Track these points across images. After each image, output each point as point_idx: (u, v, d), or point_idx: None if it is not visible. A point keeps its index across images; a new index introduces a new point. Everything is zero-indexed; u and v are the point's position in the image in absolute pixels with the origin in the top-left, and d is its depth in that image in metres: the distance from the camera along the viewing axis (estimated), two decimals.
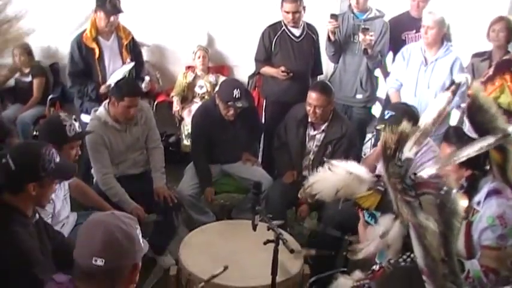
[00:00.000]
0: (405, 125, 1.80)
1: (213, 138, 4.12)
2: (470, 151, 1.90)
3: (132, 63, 4.33)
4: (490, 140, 1.97)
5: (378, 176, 1.83)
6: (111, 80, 4.18)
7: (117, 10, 4.20)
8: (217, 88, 5.32)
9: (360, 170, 1.85)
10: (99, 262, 1.71)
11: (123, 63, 4.33)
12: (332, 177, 1.82)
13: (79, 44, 4.22)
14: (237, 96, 3.88)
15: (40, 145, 2.35)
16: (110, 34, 4.32)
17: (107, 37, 4.31)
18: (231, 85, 4.02)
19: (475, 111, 2.19)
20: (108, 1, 4.10)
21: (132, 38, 4.43)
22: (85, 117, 4.14)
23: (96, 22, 4.22)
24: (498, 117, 2.12)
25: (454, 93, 2.01)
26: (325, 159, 3.85)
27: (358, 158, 4.24)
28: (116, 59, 4.34)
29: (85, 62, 4.25)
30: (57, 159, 2.35)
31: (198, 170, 4.13)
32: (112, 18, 4.19)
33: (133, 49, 4.44)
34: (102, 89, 4.22)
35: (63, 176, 2.55)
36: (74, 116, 3.17)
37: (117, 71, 4.26)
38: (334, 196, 1.82)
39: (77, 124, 3.07)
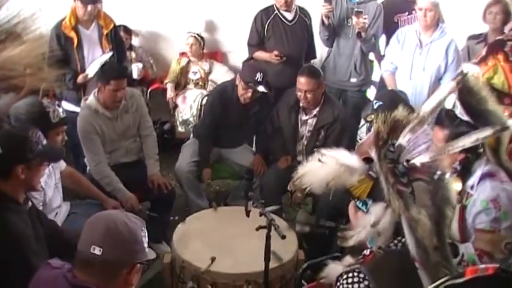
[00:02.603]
0: (400, 112, 1.77)
1: (221, 120, 4.08)
2: (466, 142, 1.86)
3: (110, 53, 4.21)
4: (487, 132, 1.92)
5: (371, 161, 1.80)
6: (89, 70, 4.11)
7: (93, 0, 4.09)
8: (211, 75, 5.34)
9: (350, 159, 1.80)
10: (97, 251, 1.73)
11: (103, 52, 4.22)
12: (322, 169, 1.78)
13: (58, 32, 4.09)
14: (258, 80, 3.85)
15: (27, 128, 2.36)
16: (90, 23, 4.21)
17: (86, 26, 4.20)
18: (256, 68, 4.00)
19: (466, 94, 2.17)
20: None
21: (114, 26, 4.32)
22: (65, 105, 4.07)
23: (76, 11, 4.12)
24: (489, 99, 2.10)
25: (459, 83, 1.99)
26: (317, 144, 3.85)
27: (352, 143, 4.23)
28: (96, 48, 4.23)
29: (64, 50, 4.12)
30: (44, 142, 2.36)
31: (200, 147, 4.12)
32: (89, 8, 4.07)
33: (115, 38, 4.32)
34: (80, 78, 4.12)
35: (51, 158, 2.55)
36: (57, 102, 3.14)
37: (95, 60, 4.15)
38: (325, 188, 1.79)
39: (60, 110, 3.04)
